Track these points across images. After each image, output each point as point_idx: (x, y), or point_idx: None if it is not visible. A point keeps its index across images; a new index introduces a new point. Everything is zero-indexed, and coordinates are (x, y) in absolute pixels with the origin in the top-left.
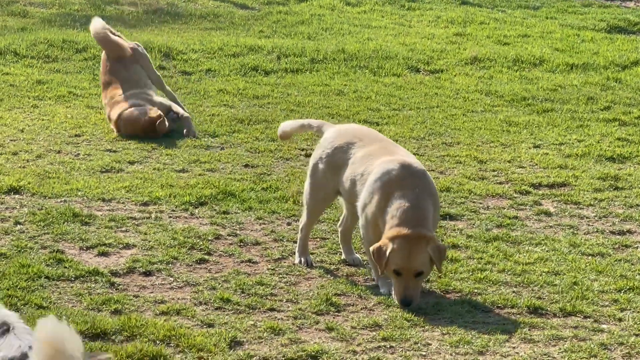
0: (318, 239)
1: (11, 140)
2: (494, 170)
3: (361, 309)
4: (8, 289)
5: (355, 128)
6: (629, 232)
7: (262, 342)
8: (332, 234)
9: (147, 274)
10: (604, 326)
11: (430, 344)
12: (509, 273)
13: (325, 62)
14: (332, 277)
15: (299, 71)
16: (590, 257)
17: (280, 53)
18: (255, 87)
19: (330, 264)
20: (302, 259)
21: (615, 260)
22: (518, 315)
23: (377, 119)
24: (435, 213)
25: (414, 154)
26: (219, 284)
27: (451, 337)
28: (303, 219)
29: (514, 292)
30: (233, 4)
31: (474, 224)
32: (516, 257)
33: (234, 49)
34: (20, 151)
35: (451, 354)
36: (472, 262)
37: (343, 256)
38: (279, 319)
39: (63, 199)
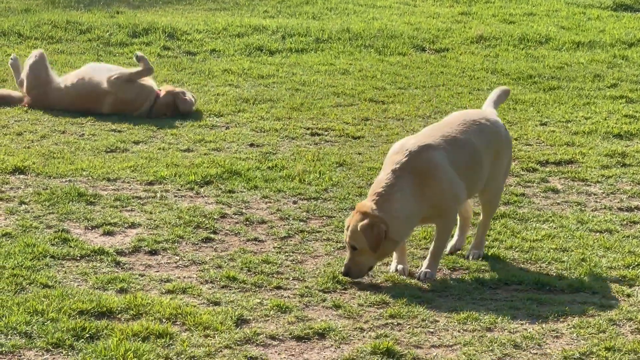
0: (324, 217)
1: (16, 121)
2: None
3: (368, 286)
4: (13, 269)
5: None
6: (637, 208)
7: (268, 320)
8: (338, 212)
9: (153, 253)
10: (612, 302)
11: (438, 321)
12: (516, 250)
13: (330, 42)
14: (338, 255)
15: (304, 51)
16: (598, 234)
17: (285, 33)
18: (260, 66)
19: (337, 241)
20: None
21: (623, 237)
22: (526, 292)
23: (382, 98)
24: (422, 189)
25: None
26: (225, 262)
27: (459, 314)
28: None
29: (521, 268)
30: None
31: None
32: (524, 234)
33: (238, 29)
34: (25, 131)
35: (459, 331)
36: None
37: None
38: (285, 297)
39: (68, 179)
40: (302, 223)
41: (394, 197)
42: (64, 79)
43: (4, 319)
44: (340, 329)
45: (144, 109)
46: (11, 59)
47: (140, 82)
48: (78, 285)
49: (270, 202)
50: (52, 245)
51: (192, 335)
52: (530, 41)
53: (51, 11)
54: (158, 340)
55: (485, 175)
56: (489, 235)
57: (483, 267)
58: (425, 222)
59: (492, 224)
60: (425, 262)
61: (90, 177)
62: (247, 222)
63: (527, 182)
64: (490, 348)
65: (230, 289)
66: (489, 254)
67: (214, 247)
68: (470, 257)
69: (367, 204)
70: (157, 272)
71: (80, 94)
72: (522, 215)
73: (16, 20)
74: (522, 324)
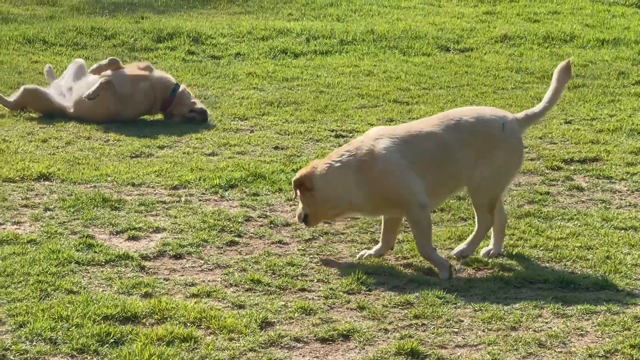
0: (348, 219)
1: (40, 128)
2: (525, 147)
3: (392, 287)
4: (38, 275)
5: None
6: None
7: (293, 322)
8: None
9: (178, 257)
10: (637, 299)
11: (462, 321)
12: (541, 248)
13: (354, 44)
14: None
15: (328, 53)
16: (623, 231)
17: (310, 35)
18: (285, 69)
19: (361, 243)
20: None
21: None
22: (550, 291)
23: (407, 99)
24: (364, 173)
25: None
26: (250, 265)
27: (483, 313)
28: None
29: (546, 267)
30: None
31: (505, 201)
32: (548, 232)
33: (262, 32)
34: (50, 138)
35: (483, 330)
36: (504, 238)
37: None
38: (310, 299)
39: (93, 185)
40: (326, 225)
41: (334, 167)
42: None
43: (29, 325)
44: (364, 330)
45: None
46: (46, 69)
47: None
48: (103, 291)
49: (294, 205)
50: (77, 251)
51: (216, 339)
52: (555, 39)
53: (76, 18)
54: (183, 344)
55: (461, 172)
56: (513, 234)
57: (507, 266)
58: (386, 212)
59: (516, 223)
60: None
61: (115, 183)
62: (272, 225)
63: (552, 181)
64: (515, 347)
65: (254, 292)
66: (514, 252)
67: (239, 250)
68: (453, 254)
69: (319, 164)
70: (181, 276)
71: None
72: (546, 213)
73: (41, 27)
74: (546, 323)
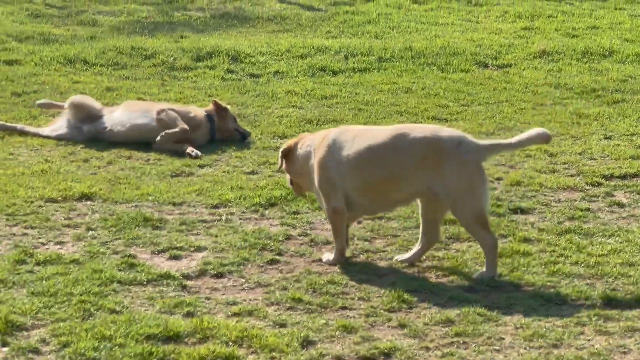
0: (389, 237)
1: (82, 148)
2: (564, 163)
3: (433, 305)
4: (81, 295)
5: None
6: None
7: (334, 340)
8: (403, 231)
9: (219, 275)
10: None
11: (503, 339)
12: (582, 265)
13: (392, 61)
14: (403, 274)
15: (366, 70)
16: None
17: (348, 53)
18: (324, 87)
19: (401, 260)
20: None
21: None
22: (592, 308)
23: (445, 115)
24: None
25: None
26: (291, 284)
27: (525, 331)
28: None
29: (587, 284)
30: (300, 6)
31: (545, 217)
32: (589, 249)
33: (301, 50)
34: (92, 158)
35: (525, 348)
36: (545, 256)
37: None
38: (351, 317)
39: (134, 204)
40: (366, 243)
41: (303, 148)
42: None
43: (72, 345)
44: (406, 349)
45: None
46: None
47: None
48: (145, 310)
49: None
50: (119, 270)
51: (258, 358)
52: (594, 55)
53: (116, 37)
54: None
55: (403, 183)
56: (553, 251)
57: (548, 283)
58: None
59: (556, 240)
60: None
61: (156, 202)
62: (312, 243)
63: (592, 197)
64: None
65: (296, 311)
66: (554, 269)
67: (280, 268)
68: (475, 277)
69: (304, 139)
70: (223, 295)
71: None
72: (587, 230)
73: (82, 48)
74: (589, 340)
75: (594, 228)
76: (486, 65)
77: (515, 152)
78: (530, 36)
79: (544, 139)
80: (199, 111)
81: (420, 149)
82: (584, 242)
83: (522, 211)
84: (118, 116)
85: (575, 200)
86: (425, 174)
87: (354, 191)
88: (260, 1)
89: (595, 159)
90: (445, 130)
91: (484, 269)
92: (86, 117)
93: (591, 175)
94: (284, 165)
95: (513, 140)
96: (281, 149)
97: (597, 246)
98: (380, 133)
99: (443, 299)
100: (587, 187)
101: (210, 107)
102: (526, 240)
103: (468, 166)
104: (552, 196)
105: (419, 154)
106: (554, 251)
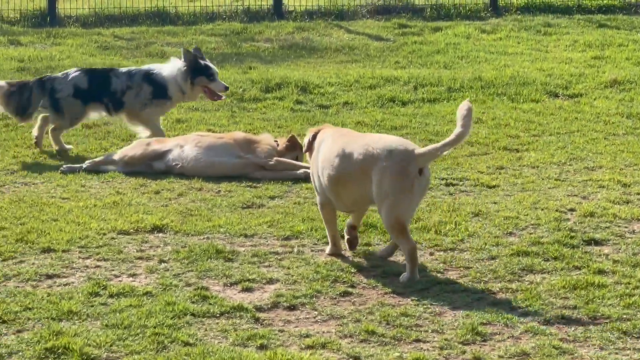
0: (461, 268)
1: (152, 180)
2: (638, 194)
3: (508, 337)
4: (155, 327)
5: None
6: None
7: None
8: (475, 262)
9: (292, 308)
10: None
11: None
12: None
13: (462, 91)
14: (476, 306)
15: (436, 100)
16: None
17: (417, 83)
18: (393, 118)
19: (474, 292)
20: None
21: None
22: None
23: (516, 146)
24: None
25: (556, 179)
26: (364, 316)
27: None
28: None
29: None
30: (368, 36)
31: (620, 249)
32: None
33: (370, 80)
34: (163, 190)
35: None
36: (620, 287)
37: None
38: (424, 350)
39: (206, 236)
40: (439, 274)
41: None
42: None
43: None
44: None
45: None
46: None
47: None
48: (219, 343)
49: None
50: (192, 302)
51: None
52: None
53: None
54: None
55: (351, 185)
56: (629, 283)
57: (624, 316)
58: None
59: (632, 271)
60: None
61: (227, 234)
62: (384, 275)
63: None
64: None
65: (369, 343)
66: (630, 302)
67: (352, 300)
68: (400, 280)
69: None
70: (296, 327)
71: None
72: None
73: None
74: None
75: None
76: (557, 95)
77: (587, 183)
78: (600, 65)
79: (468, 108)
80: (275, 142)
81: (358, 157)
82: None
83: (596, 242)
84: (190, 152)
85: None
86: (364, 180)
87: (325, 188)
88: (328, 32)
89: None
90: (392, 141)
91: (408, 274)
92: (150, 159)
93: None
94: (306, 149)
95: (450, 138)
96: (310, 131)
97: None
98: (349, 139)
99: (517, 331)
100: None
101: (283, 139)
102: (600, 272)
103: (391, 173)
104: (626, 227)
105: (358, 161)
106: (629, 283)
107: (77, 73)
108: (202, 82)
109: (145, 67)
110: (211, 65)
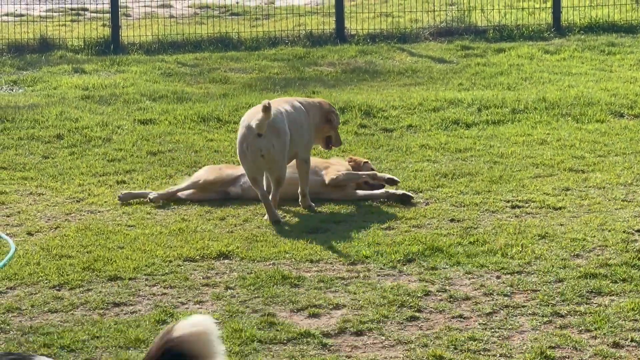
0: (529, 291)
1: (217, 206)
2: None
3: None
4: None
5: None
6: None
7: None
8: (543, 285)
9: (359, 333)
10: None
11: None
12: None
13: (526, 112)
14: (545, 330)
15: (500, 122)
16: None
17: (481, 105)
18: (457, 140)
19: (542, 316)
20: None
21: None
22: None
23: (582, 167)
24: None
25: (622, 200)
26: (431, 341)
27: None
28: None
29: None
30: (431, 59)
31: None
32: None
33: (433, 103)
34: (228, 216)
35: None
36: None
37: None
38: None
39: (272, 262)
40: (506, 298)
41: None
42: None
43: None
44: None
45: None
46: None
47: None
48: None
49: (473, 278)
50: (259, 329)
51: None
52: None
53: (248, 94)
54: None
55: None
56: None
57: None
58: None
59: None
60: None
61: (293, 259)
62: (451, 299)
63: None
64: None
65: None
66: None
67: (419, 325)
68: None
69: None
70: (363, 352)
71: None
72: None
73: (215, 106)
74: None
75: None
76: (622, 115)
77: None
78: None
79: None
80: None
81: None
82: None
83: None
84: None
85: None
86: None
87: None
88: (390, 55)
89: None
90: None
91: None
92: (223, 184)
93: None
94: None
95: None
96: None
97: None
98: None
99: (587, 354)
100: None
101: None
102: None
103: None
104: None
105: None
106: None
107: None
108: None
109: None
110: None
